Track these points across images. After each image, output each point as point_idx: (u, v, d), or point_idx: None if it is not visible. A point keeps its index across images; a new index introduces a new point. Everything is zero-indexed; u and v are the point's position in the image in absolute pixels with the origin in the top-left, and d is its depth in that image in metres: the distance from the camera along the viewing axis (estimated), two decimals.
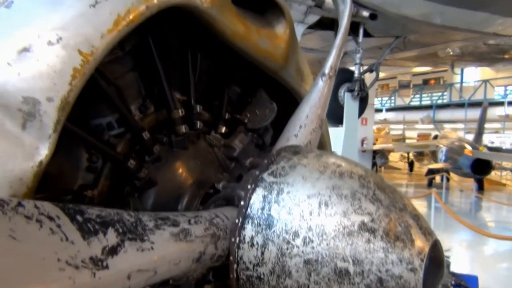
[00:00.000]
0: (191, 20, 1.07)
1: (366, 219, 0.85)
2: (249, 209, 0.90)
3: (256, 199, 0.91)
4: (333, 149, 1.71)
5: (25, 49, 0.75)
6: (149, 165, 1.09)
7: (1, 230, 0.59)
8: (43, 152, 0.75)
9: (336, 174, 0.92)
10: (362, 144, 18.66)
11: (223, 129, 1.31)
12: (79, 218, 0.69)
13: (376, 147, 21.11)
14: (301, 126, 1.18)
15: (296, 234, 0.86)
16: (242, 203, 0.91)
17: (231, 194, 1.03)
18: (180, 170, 1.15)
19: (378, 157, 22.20)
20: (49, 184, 0.88)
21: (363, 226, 0.85)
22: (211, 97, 1.39)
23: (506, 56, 15.30)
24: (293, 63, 1.39)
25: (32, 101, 0.74)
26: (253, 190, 0.92)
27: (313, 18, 8.79)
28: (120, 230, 0.73)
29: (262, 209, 0.90)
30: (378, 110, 29.80)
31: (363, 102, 10.41)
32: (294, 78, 1.41)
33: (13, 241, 0.57)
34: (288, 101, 1.46)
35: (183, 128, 1.15)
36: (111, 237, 0.71)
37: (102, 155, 1.06)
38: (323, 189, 0.89)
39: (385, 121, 31.69)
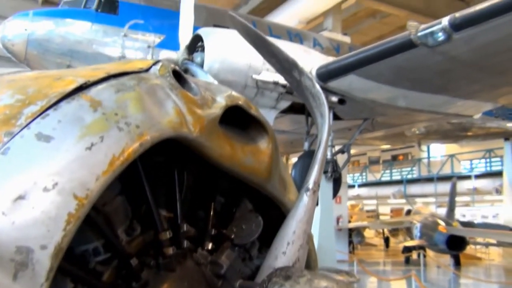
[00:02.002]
0: (178, 143, 1.10)
1: None
2: None
3: None
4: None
5: (21, 197, 0.75)
6: None
7: None
8: None
9: None
10: (338, 222, 18.68)
11: (210, 246, 1.30)
12: None
13: (351, 225, 21.12)
14: (288, 243, 1.19)
15: None
16: None
17: None
18: None
19: (355, 235, 22.12)
20: None
21: None
22: (195, 209, 1.39)
23: (469, 133, 16.05)
24: (276, 175, 1.42)
25: (26, 250, 0.73)
26: None
27: (284, 104, 9.13)
28: None
29: None
30: (351, 186, 30.21)
31: (337, 183, 10.56)
32: (277, 189, 1.43)
33: None
34: (271, 207, 1.47)
35: (171, 250, 1.14)
36: None
37: (88, 286, 1.03)
38: None
39: (358, 197, 32.01)
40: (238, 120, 1.36)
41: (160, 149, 1.24)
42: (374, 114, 10.52)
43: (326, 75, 8.85)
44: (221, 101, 1.20)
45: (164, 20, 10.94)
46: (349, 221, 21.41)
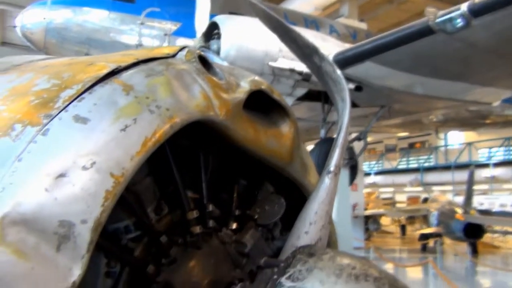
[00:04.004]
0: (203, 126, 1.14)
1: None
2: None
3: None
4: None
5: (61, 175, 0.80)
6: (166, 268, 1.12)
7: None
8: (76, 272, 0.78)
9: (352, 277, 0.95)
10: (354, 209, 18.66)
11: (234, 225, 1.34)
12: None
13: (368, 212, 21.08)
14: (311, 223, 1.22)
15: None
16: None
17: None
18: (195, 271, 1.17)
19: (371, 222, 22.10)
20: None
21: None
22: (219, 191, 1.43)
23: (488, 121, 15.81)
24: (298, 159, 1.45)
25: (68, 224, 0.78)
26: None
27: (301, 91, 9.12)
28: None
29: None
30: (367, 174, 30.09)
31: (353, 170, 10.54)
32: (299, 172, 1.46)
33: None
34: (291, 190, 1.51)
35: (198, 229, 1.19)
36: None
37: (121, 261, 1.08)
38: None
39: (374, 185, 31.87)
40: (261, 104, 1.40)
41: (185, 133, 1.29)
42: (391, 102, 10.44)
43: (343, 62, 8.79)
44: (245, 86, 1.23)
45: (180, 8, 10.95)
46: (365, 209, 21.37)
